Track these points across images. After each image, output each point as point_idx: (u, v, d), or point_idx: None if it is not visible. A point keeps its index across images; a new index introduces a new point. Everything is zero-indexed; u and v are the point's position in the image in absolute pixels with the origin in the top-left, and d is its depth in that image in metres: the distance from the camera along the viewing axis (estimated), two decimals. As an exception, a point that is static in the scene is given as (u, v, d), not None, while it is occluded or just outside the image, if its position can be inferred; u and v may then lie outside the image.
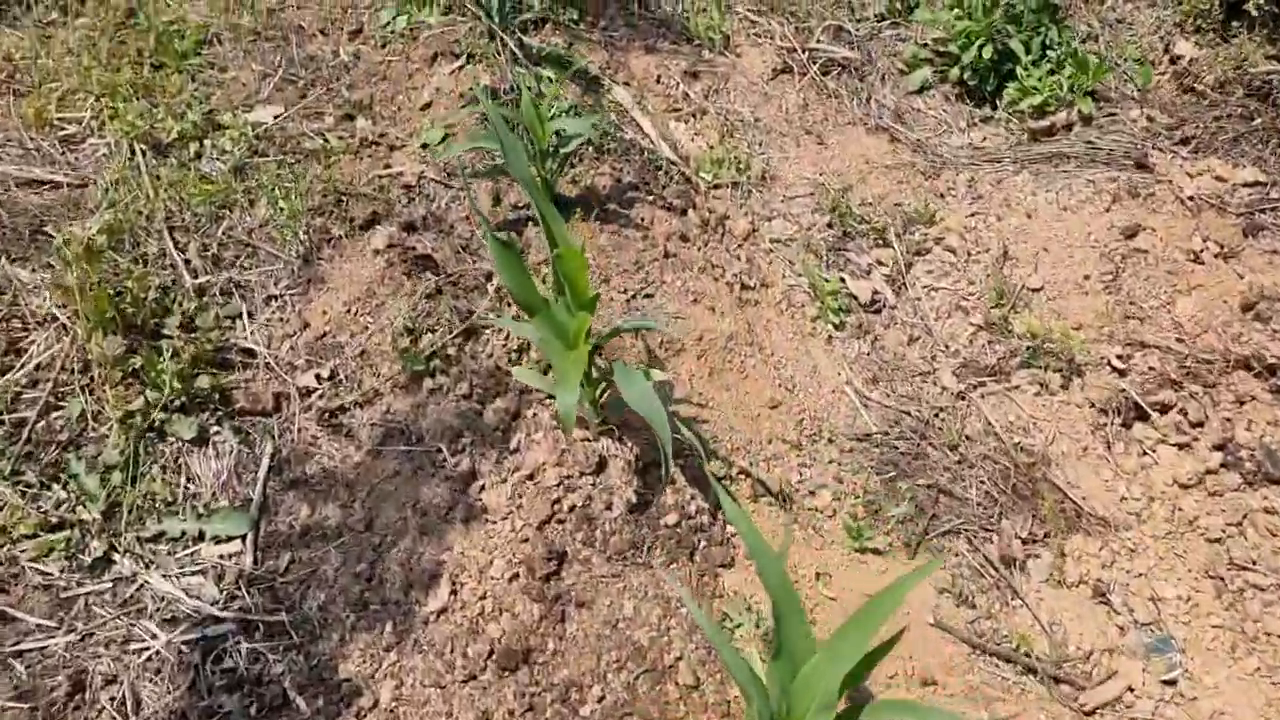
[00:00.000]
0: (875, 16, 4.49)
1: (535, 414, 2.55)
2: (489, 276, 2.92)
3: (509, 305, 2.85)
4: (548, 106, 2.96)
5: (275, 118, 3.82)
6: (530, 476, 2.39)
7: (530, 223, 3.11)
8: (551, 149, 2.95)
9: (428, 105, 3.67)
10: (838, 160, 3.87)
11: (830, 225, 3.55)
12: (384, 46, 4.08)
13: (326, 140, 3.70)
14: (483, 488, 2.40)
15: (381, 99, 3.85)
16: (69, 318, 2.88)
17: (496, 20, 3.64)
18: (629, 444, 2.47)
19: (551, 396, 2.52)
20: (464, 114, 3.52)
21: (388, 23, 4.12)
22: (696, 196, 3.50)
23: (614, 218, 3.17)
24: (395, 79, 3.90)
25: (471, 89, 3.64)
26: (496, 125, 2.30)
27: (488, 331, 2.80)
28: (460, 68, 3.76)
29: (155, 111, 3.69)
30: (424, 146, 3.55)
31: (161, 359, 2.75)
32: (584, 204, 3.22)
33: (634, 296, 2.91)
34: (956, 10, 4.06)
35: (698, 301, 2.95)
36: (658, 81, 4.16)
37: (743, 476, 2.53)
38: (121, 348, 2.75)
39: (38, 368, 2.80)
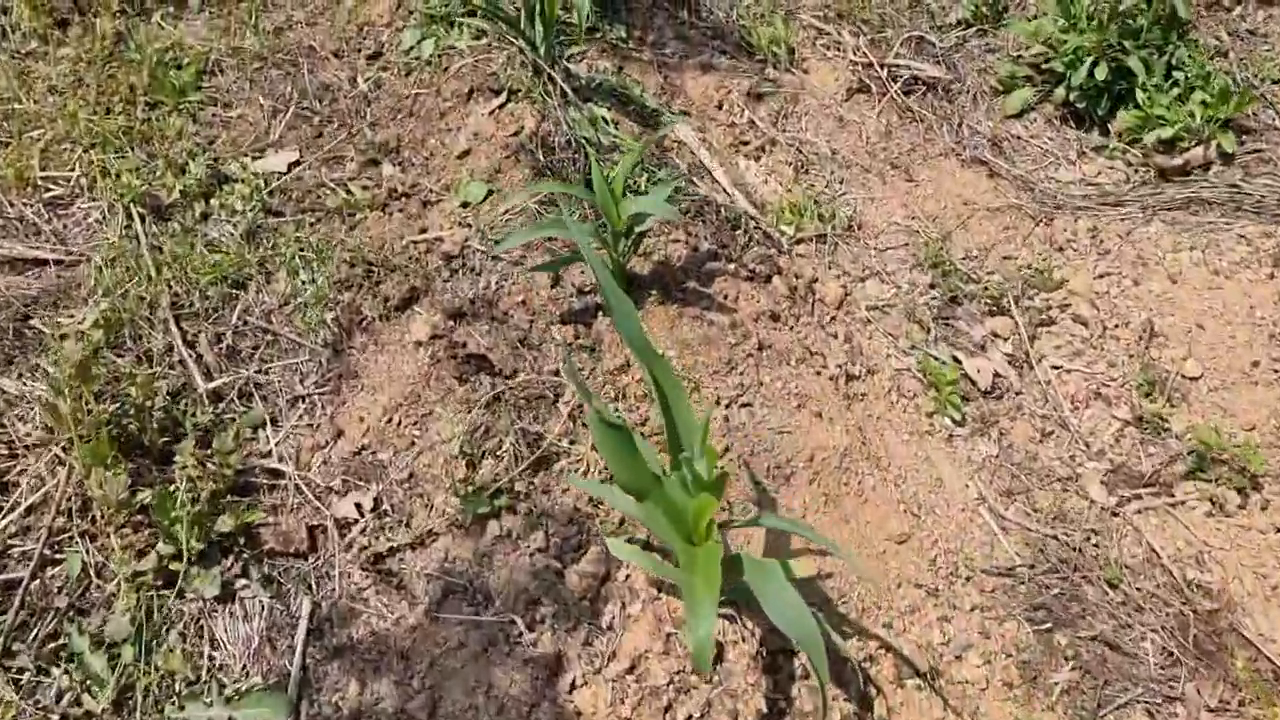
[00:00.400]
0: (958, 23, 3.98)
1: (628, 577, 2.12)
2: (558, 391, 2.47)
3: (582, 425, 2.40)
4: (620, 177, 2.49)
5: (290, 165, 3.34)
6: (630, 669, 1.97)
7: (600, 312, 2.65)
8: (625, 229, 2.48)
9: (466, 153, 3.19)
10: (931, 200, 3.40)
11: (933, 286, 3.08)
12: (408, 75, 3.59)
13: (349, 192, 3.23)
14: (574, 684, 1.98)
15: (410, 141, 3.37)
16: (63, 446, 2.44)
17: (541, 52, 3.14)
18: (749, 624, 2.05)
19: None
20: (513, 175, 3.04)
21: (411, 47, 3.63)
22: (780, 257, 3.03)
23: (694, 298, 2.71)
24: (425, 116, 3.42)
25: (516, 135, 3.16)
26: (591, 262, 1.83)
27: (562, 460, 2.35)
28: (501, 106, 3.27)
29: (153, 164, 3.22)
30: (464, 205, 3.08)
31: (174, 499, 2.32)
32: (659, 282, 2.76)
33: (730, 405, 2.46)
34: (1061, 21, 3.55)
35: (802, 406, 2.51)
36: (719, 107, 3.68)
37: (883, 653, 2.11)
38: (125, 489, 2.31)
39: (29, 510, 2.37)
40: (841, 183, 3.46)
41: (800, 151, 3.55)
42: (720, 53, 3.95)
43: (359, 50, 3.76)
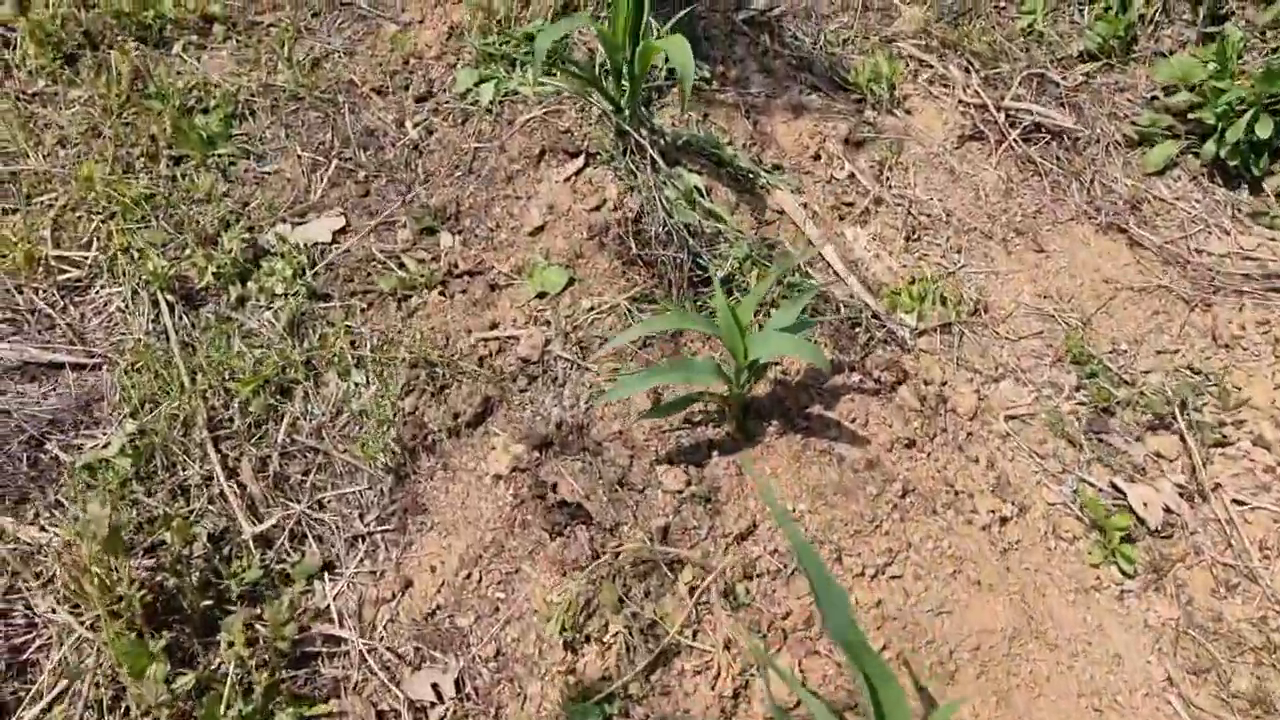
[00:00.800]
0: (1081, 56, 3.52)
1: (780, 826, 1.76)
2: (673, 562, 2.08)
3: (706, 610, 2.02)
4: (748, 308, 2.07)
5: (335, 234, 2.94)
6: None
7: (714, 450, 2.26)
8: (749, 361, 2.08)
9: (539, 229, 2.78)
10: (1064, 276, 2.98)
11: (1078, 388, 2.68)
12: (464, 123, 3.17)
13: (404, 267, 2.84)
14: None
15: (472, 206, 2.96)
16: (89, 623, 2.07)
17: (626, 114, 2.71)
18: None
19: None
20: (597, 262, 2.63)
21: (468, 90, 3.19)
22: (904, 357, 2.63)
23: (819, 426, 2.32)
24: (488, 177, 3.00)
25: (598, 209, 2.74)
26: (781, 521, 1.43)
27: (685, 658, 1.97)
28: (578, 172, 2.85)
29: (181, 237, 2.82)
30: (541, 295, 2.67)
31: (221, 700, 1.95)
32: (778, 406, 2.36)
33: (877, 576, 2.08)
34: (1212, 64, 3.10)
35: (958, 572, 2.13)
36: (815, 158, 3.24)
37: None
38: (164, 684, 1.94)
39: (51, 704, 2.01)
40: (959, 253, 3.04)
41: (910, 213, 3.13)
42: (811, 89, 3.50)
43: (406, 88, 3.33)
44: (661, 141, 2.88)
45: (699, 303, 2.51)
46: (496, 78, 3.18)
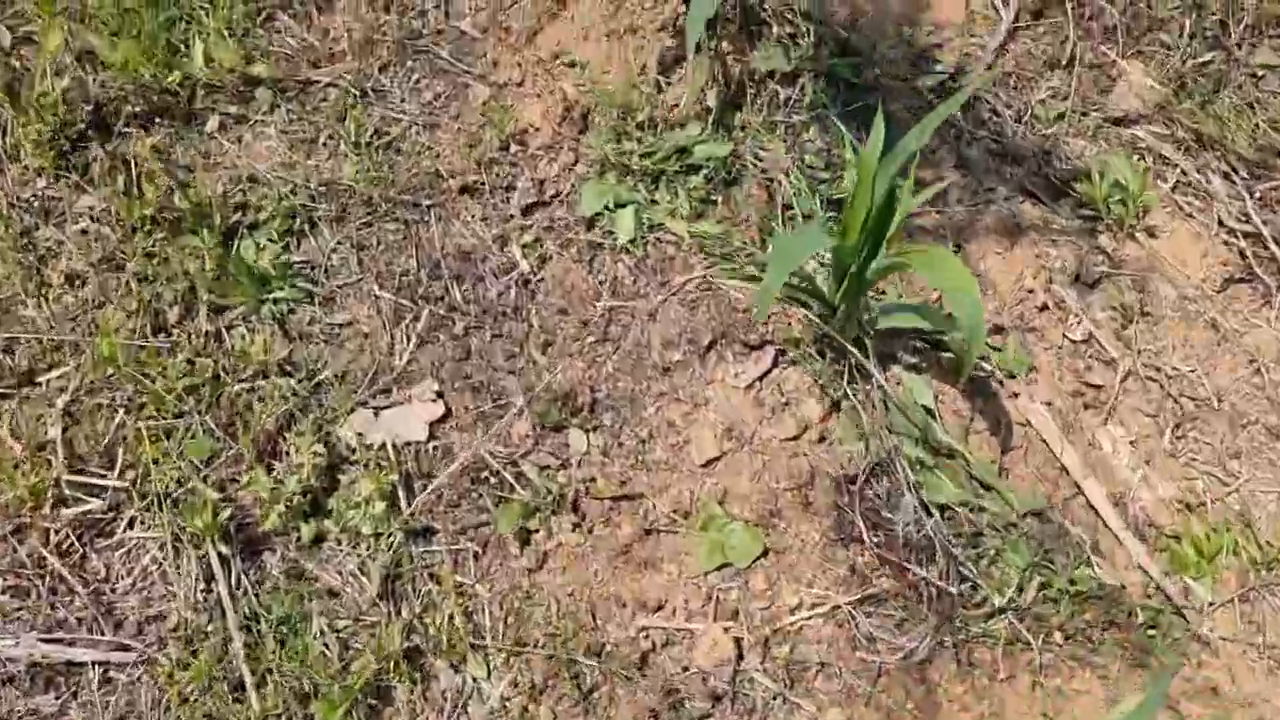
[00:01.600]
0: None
1: None
2: None
3: None
4: None
5: (431, 425, 2.25)
6: None
7: None
8: None
9: (714, 460, 2.07)
10: (1383, 505, 2.28)
11: None
12: (591, 261, 2.44)
13: (523, 478, 2.16)
14: None
15: (611, 395, 2.26)
16: None
17: (837, 313, 1.97)
18: None
19: None
20: (801, 527, 1.94)
21: (596, 216, 2.44)
22: (1209, 660, 1.97)
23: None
24: (633, 354, 2.29)
25: (796, 438, 2.03)
26: None
27: None
28: (764, 375, 2.13)
29: (234, 449, 2.12)
30: (721, 567, 1.98)
31: None
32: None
33: None
34: None
35: None
36: (1041, 309, 2.51)
37: None
38: None
39: None
40: (1237, 458, 2.34)
41: (1169, 394, 2.42)
42: (1020, 191, 2.74)
43: (507, 189, 2.59)
44: (870, 327, 2.15)
45: (960, 624, 1.83)
46: (635, 202, 2.42)
